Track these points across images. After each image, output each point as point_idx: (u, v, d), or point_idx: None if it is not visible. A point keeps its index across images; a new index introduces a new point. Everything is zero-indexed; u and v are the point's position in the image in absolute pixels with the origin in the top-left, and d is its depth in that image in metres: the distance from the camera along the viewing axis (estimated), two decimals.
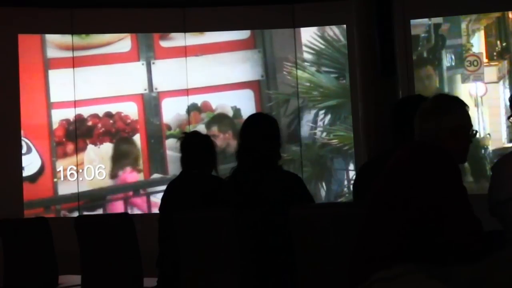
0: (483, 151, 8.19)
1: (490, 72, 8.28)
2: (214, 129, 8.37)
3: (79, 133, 8.25)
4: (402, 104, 3.77)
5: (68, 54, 8.30)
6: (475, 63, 8.26)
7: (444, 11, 8.29)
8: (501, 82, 8.30)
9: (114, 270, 4.08)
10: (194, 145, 4.30)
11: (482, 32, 8.33)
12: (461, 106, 2.94)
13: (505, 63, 8.28)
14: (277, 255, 3.61)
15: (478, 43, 8.33)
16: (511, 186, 3.04)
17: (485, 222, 2.80)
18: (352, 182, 3.92)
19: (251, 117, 4.03)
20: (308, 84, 8.55)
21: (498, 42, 8.31)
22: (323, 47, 8.54)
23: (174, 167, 7.89)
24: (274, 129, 3.86)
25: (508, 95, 8.22)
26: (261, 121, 3.93)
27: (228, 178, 3.88)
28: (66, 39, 8.31)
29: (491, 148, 8.19)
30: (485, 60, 8.28)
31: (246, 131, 3.88)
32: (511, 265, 2.63)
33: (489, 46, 8.31)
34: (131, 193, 8.28)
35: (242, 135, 3.88)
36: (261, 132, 3.83)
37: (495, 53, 8.31)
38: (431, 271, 2.68)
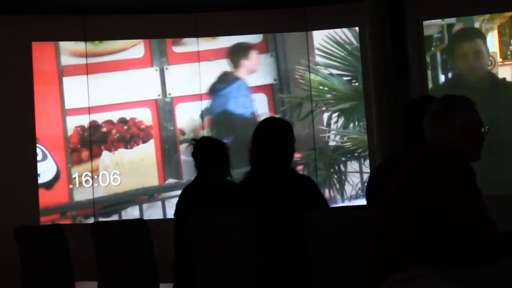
0: None
1: (504, 71, 8.24)
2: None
3: (94, 140, 8.28)
4: (414, 105, 3.77)
5: (82, 61, 8.34)
6: (490, 62, 8.23)
7: (457, 11, 8.26)
8: None
9: (130, 276, 4.10)
10: (208, 150, 4.30)
11: (495, 32, 8.30)
12: (469, 105, 2.93)
13: None
14: (292, 259, 3.61)
15: (491, 43, 8.29)
16: None
17: (501, 223, 2.79)
18: (366, 184, 3.91)
19: (263, 121, 4.04)
20: (321, 87, 8.54)
21: None
22: (335, 50, 8.53)
23: (188, 172, 7.90)
24: (286, 133, 3.87)
25: None
26: (274, 125, 3.93)
27: (241, 183, 3.89)
28: (80, 46, 8.35)
29: None
30: (499, 59, 8.25)
31: (258, 135, 3.89)
32: None
33: (503, 45, 8.28)
34: (146, 198, 8.30)
35: (255, 140, 3.89)
36: (273, 136, 3.83)
37: (509, 52, 8.28)
38: (446, 274, 2.67)
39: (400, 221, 2.78)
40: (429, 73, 8.21)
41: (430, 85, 8.17)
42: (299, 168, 8.15)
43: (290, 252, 3.63)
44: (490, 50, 8.26)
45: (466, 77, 8.28)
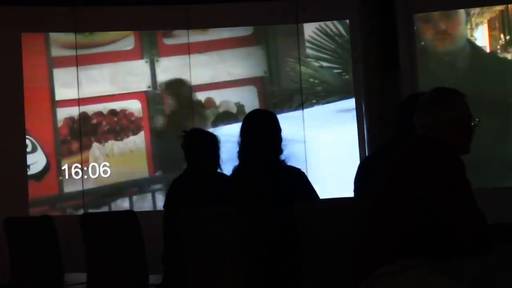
0: None
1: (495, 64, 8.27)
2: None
3: (84, 131, 8.25)
4: (408, 100, 3.77)
5: (72, 52, 8.30)
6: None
7: (447, 4, 8.27)
8: None
9: (120, 267, 4.10)
10: (198, 142, 4.30)
11: (485, 26, 8.31)
12: (459, 97, 2.94)
13: (509, 56, 8.26)
14: (283, 251, 3.61)
15: (481, 37, 8.30)
16: None
17: (490, 216, 2.80)
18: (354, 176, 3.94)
19: (249, 114, 4.04)
20: (311, 80, 8.54)
21: (502, 36, 8.29)
22: (326, 42, 8.52)
23: (178, 165, 7.89)
24: (273, 125, 3.86)
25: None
26: (260, 118, 3.93)
27: (232, 175, 3.89)
28: (70, 37, 8.31)
29: None
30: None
31: (245, 128, 3.89)
32: None
33: (492, 39, 8.29)
34: (136, 190, 8.29)
35: (242, 133, 3.89)
36: (260, 128, 3.83)
37: (499, 47, 8.29)
38: (436, 266, 2.68)
39: (390, 214, 2.79)
40: (419, 66, 8.21)
41: (420, 78, 8.17)
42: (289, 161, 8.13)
43: (280, 244, 3.63)
44: (480, 44, 8.28)
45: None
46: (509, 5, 8.26)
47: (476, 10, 8.29)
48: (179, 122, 8.22)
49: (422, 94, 3.66)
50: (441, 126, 2.87)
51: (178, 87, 8.36)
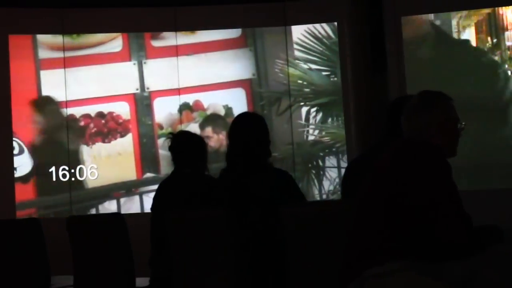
0: None
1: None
2: (208, 130, 8.37)
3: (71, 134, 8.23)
4: (396, 102, 3.78)
5: (59, 54, 8.28)
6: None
7: (435, 7, 8.30)
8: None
9: (107, 270, 4.09)
10: (186, 144, 4.30)
11: (472, 29, 8.34)
12: (446, 100, 2.96)
13: (496, 59, 8.29)
14: (270, 253, 3.61)
15: (469, 39, 8.33)
16: None
17: (476, 218, 2.81)
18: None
19: (238, 117, 4.04)
20: (299, 82, 8.55)
21: (489, 38, 8.32)
22: (314, 45, 8.54)
23: (166, 167, 7.88)
24: (262, 128, 3.87)
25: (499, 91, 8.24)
26: (249, 121, 3.94)
27: (219, 178, 3.89)
28: (57, 39, 8.28)
29: None
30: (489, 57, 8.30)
31: (234, 131, 3.89)
32: (502, 261, 2.64)
33: (480, 42, 8.32)
34: (123, 192, 8.27)
35: (231, 136, 3.90)
36: (249, 131, 3.83)
37: (486, 49, 8.32)
38: (423, 268, 2.69)
39: (377, 216, 2.79)
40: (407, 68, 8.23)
41: (408, 80, 8.19)
42: (277, 163, 8.14)
43: (267, 246, 3.63)
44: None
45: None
46: (496, 8, 8.29)
47: (464, 13, 8.32)
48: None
49: (410, 96, 3.68)
50: (428, 129, 2.89)
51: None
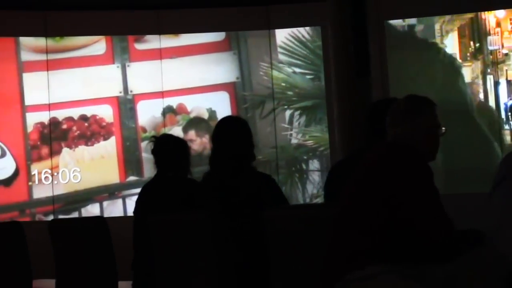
0: None
1: (464, 72, 8.34)
2: (191, 133, 8.36)
3: (54, 136, 8.20)
4: (376, 106, 3.79)
5: (42, 57, 8.25)
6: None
7: (418, 12, 8.33)
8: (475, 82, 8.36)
9: (89, 273, 4.07)
10: (168, 147, 4.29)
11: (455, 33, 8.39)
12: (432, 106, 2.98)
13: (479, 64, 8.34)
14: (253, 256, 3.61)
15: (451, 44, 8.38)
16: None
17: (457, 221, 2.82)
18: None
19: (221, 121, 4.04)
20: (283, 85, 8.56)
21: (472, 43, 8.37)
22: (298, 48, 8.55)
23: (149, 170, 7.87)
24: (245, 132, 3.87)
25: (482, 95, 8.29)
26: (232, 124, 3.94)
27: (202, 181, 3.89)
28: (40, 42, 8.25)
29: None
30: (459, 60, 8.34)
31: (218, 135, 3.90)
32: (482, 264, 2.66)
33: (462, 46, 8.37)
34: (106, 196, 8.25)
35: (214, 139, 3.90)
36: (232, 135, 3.84)
37: (468, 54, 8.37)
38: (404, 271, 2.70)
39: (358, 219, 2.80)
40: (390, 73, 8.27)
41: (391, 85, 8.23)
42: (260, 166, 8.14)
43: (250, 249, 3.63)
44: (450, 52, 8.35)
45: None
46: (479, 13, 8.34)
47: (447, 17, 8.37)
48: None
49: (393, 99, 3.69)
50: (413, 135, 2.90)
51: None
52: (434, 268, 2.70)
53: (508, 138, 8.18)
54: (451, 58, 8.31)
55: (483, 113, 8.19)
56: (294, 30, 8.55)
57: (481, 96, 8.30)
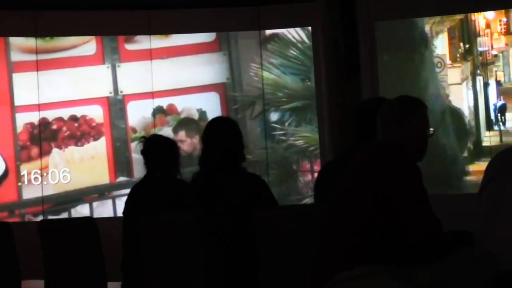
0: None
1: (454, 73, 8.36)
2: (181, 134, 8.36)
3: (44, 137, 8.18)
4: (366, 105, 3.80)
5: (32, 57, 8.23)
6: (439, 64, 8.34)
7: (408, 13, 8.35)
8: (465, 83, 8.38)
9: (78, 274, 4.06)
10: (158, 148, 4.29)
11: (445, 34, 8.41)
12: (424, 108, 2.99)
13: (468, 65, 8.36)
14: (242, 257, 3.61)
15: (441, 45, 8.40)
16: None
17: (445, 222, 2.83)
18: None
19: (212, 121, 4.04)
20: (273, 86, 8.56)
21: (461, 44, 8.40)
22: (288, 49, 8.56)
23: (139, 170, 7.85)
24: (235, 132, 3.88)
25: (472, 96, 8.32)
26: (222, 125, 3.94)
27: (191, 181, 3.89)
28: (30, 42, 8.24)
29: None
30: (448, 61, 8.36)
31: (208, 136, 3.90)
32: (470, 265, 2.67)
33: (452, 48, 8.39)
34: (96, 196, 8.23)
35: (204, 140, 3.90)
36: (223, 136, 3.84)
37: (458, 55, 8.39)
38: (392, 272, 2.70)
39: (347, 220, 2.80)
40: (380, 73, 8.28)
41: (380, 85, 8.24)
42: (251, 167, 8.15)
43: (240, 250, 3.63)
44: (440, 53, 8.37)
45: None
46: (469, 14, 8.37)
47: (437, 18, 8.39)
48: None
49: (381, 99, 3.69)
50: (405, 135, 2.91)
51: None
52: (423, 269, 2.71)
53: (497, 139, 8.21)
54: (433, 59, 8.33)
55: (453, 116, 8.21)
56: (285, 31, 8.55)
57: (470, 97, 8.32)
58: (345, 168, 2.96)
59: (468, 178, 8.12)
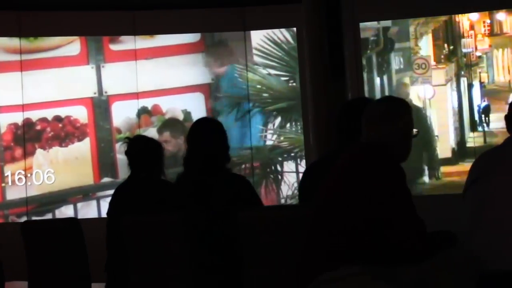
0: (431, 152, 8.30)
1: (438, 74, 8.39)
2: (166, 134, 8.34)
3: (28, 137, 8.14)
4: (350, 106, 3.80)
5: (16, 57, 8.19)
6: (423, 66, 8.37)
7: (393, 14, 8.38)
8: (449, 84, 8.42)
9: (62, 275, 4.04)
10: (142, 149, 4.28)
11: (430, 36, 8.44)
12: (410, 109, 3.01)
13: (453, 66, 8.40)
14: (227, 257, 3.61)
15: (426, 46, 8.43)
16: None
17: (429, 223, 2.84)
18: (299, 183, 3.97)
19: (196, 122, 4.04)
20: (258, 86, 8.56)
21: (446, 45, 8.43)
22: (273, 50, 8.56)
23: (124, 171, 7.82)
24: (220, 133, 3.88)
25: (456, 97, 8.35)
26: (207, 126, 3.94)
27: (176, 182, 3.88)
28: (14, 42, 8.19)
29: (439, 149, 8.30)
30: (433, 63, 8.39)
31: (192, 136, 3.89)
32: (453, 265, 2.68)
33: (437, 49, 8.43)
34: (80, 197, 8.20)
35: (189, 141, 3.90)
36: (207, 137, 3.84)
37: (442, 56, 8.43)
38: (376, 272, 2.71)
39: (332, 221, 2.81)
40: (365, 74, 8.31)
41: (365, 86, 8.27)
42: (235, 168, 8.14)
43: (224, 251, 3.63)
44: (424, 54, 8.41)
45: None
46: (453, 16, 8.41)
47: (421, 20, 8.42)
48: None
49: (366, 100, 3.70)
50: (391, 136, 2.92)
51: None
52: (406, 269, 2.72)
53: (481, 140, 8.26)
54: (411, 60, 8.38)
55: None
56: (270, 31, 8.55)
57: (455, 98, 8.37)
58: (330, 169, 2.97)
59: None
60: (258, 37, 8.56)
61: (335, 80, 7.20)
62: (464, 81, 8.37)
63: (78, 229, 4.01)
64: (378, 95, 8.07)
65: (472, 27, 8.43)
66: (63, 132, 8.22)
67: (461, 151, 8.27)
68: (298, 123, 8.45)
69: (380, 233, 2.73)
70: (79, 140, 8.24)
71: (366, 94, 8.00)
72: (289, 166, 8.51)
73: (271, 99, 8.56)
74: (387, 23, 8.47)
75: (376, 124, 2.94)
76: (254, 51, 8.54)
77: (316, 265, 2.78)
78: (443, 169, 8.24)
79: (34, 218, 7.88)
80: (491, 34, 8.43)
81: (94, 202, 8.19)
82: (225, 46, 8.59)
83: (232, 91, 8.53)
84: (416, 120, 3.09)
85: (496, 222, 2.88)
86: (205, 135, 3.86)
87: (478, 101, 8.34)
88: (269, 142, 8.56)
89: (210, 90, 8.52)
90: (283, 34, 8.56)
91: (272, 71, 8.56)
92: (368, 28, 8.43)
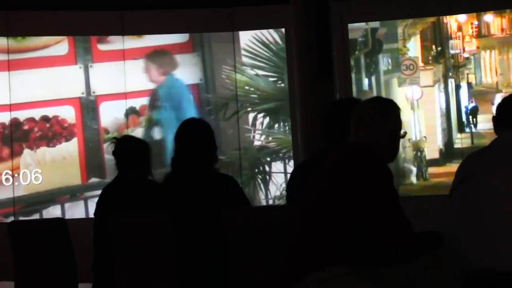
0: (419, 153, 8.32)
1: (426, 76, 8.42)
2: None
3: (15, 137, 8.11)
4: (338, 107, 3.81)
5: (4, 57, 8.16)
6: (411, 67, 8.39)
7: (381, 15, 8.40)
8: (437, 85, 8.45)
9: (49, 276, 4.03)
10: (129, 149, 4.27)
11: (418, 37, 8.47)
12: (398, 110, 3.01)
13: (440, 67, 8.43)
14: (214, 258, 3.61)
15: (414, 48, 8.46)
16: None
17: (416, 224, 2.85)
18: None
19: (184, 122, 4.04)
20: (246, 87, 8.57)
21: (434, 47, 8.46)
22: (261, 50, 8.56)
23: (111, 171, 7.80)
24: (208, 134, 3.88)
25: (443, 98, 8.38)
26: (195, 126, 3.94)
27: (163, 182, 3.88)
28: (2, 42, 8.16)
29: (426, 150, 8.33)
30: (421, 64, 8.42)
31: (180, 136, 3.89)
32: (440, 266, 2.68)
33: (424, 50, 8.46)
34: (68, 197, 8.18)
35: (177, 141, 3.89)
36: (195, 137, 3.84)
37: (430, 58, 8.46)
38: (364, 273, 2.71)
39: (319, 221, 2.81)
40: (353, 75, 8.33)
41: (354, 87, 8.29)
42: (223, 168, 8.14)
43: (211, 251, 3.63)
44: (412, 55, 8.43)
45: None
46: (441, 17, 8.44)
47: (409, 21, 8.45)
48: None
49: (354, 100, 3.70)
50: (379, 137, 2.92)
51: None
52: (393, 270, 2.72)
53: (469, 141, 8.29)
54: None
55: None
56: (258, 32, 8.55)
57: (442, 99, 8.40)
58: (317, 169, 2.97)
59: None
60: (246, 38, 8.56)
61: (323, 81, 7.19)
62: (451, 82, 8.41)
63: (65, 229, 4.00)
64: (366, 96, 8.09)
65: (460, 28, 8.46)
66: (51, 132, 8.20)
67: (448, 152, 8.30)
68: (286, 124, 8.45)
69: (368, 233, 2.74)
70: (67, 140, 8.22)
71: (354, 95, 8.02)
72: (277, 166, 8.52)
73: (259, 100, 8.57)
74: (375, 24, 8.49)
75: (364, 124, 2.94)
76: (243, 52, 8.54)
77: (303, 265, 2.78)
78: (431, 170, 8.27)
79: (21, 218, 7.85)
80: (479, 35, 8.47)
81: (81, 202, 8.17)
82: (213, 46, 8.59)
83: (220, 92, 8.53)
84: (404, 121, 3.10)
85: (482, 223, 2.89)
86: (193, 135, 3.86)
87: (466, 102, 8.38)
88: (257, 143, 8.56)
89: (198, 91, 8.51)
90: (271, 35, 8.57)
91: (260, 72, 8.57)
92: (356, 29, 8.45)
